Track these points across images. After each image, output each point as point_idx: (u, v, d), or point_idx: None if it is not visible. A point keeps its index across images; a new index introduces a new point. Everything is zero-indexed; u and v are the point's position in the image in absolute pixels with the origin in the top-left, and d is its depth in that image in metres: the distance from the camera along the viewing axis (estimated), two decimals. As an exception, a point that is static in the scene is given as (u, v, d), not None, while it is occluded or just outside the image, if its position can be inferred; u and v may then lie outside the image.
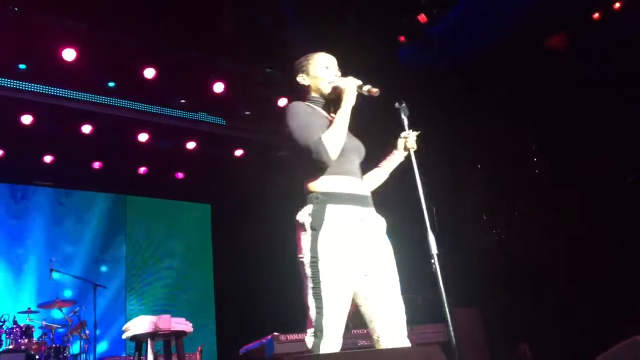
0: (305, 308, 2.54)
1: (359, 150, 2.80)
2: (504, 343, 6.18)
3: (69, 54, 6.00)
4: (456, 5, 6.00)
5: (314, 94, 2.85)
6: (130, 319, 3.72)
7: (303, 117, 2.67)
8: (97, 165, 7.65)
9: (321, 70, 2.86)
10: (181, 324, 3.41)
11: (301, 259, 2.57)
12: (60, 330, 6.22)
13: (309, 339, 2.46)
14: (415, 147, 2.83)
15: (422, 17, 6.11)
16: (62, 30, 5.94)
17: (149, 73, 6.46)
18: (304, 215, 2.60)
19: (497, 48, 6.19)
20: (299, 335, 4.24)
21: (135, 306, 7.76)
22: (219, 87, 6.88)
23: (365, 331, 4.48)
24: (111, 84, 6.69)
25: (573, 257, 5.88)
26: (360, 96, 2.73)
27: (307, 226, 2.56)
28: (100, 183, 7.97)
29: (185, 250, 8.48)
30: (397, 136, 2.90)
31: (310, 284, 2.51)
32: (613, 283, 5.52)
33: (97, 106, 6.79)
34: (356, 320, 5.21)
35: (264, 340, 4.32)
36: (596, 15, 6.00)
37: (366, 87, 2.73)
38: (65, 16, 5.86)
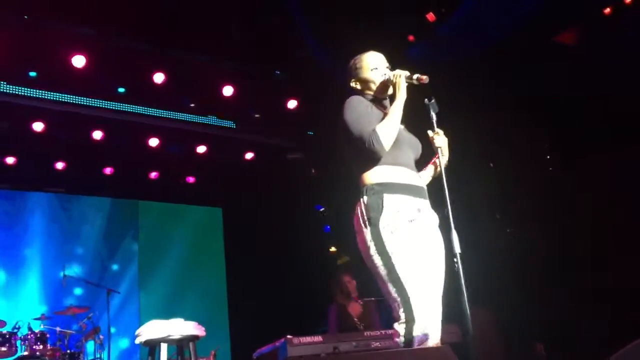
0: (391, 302, 2.53)
1: (415, 145, 2.85)
2: (519, 343, 6.12)
3: (78, 61, 6.03)
4: (464, 3, 5.96)
5: (367, 94, 2.88)
6: (144, 323, 3.72)
7: (359, 110, 2.72)
8: (108, 171, 7.67)
9: (370, 72, 2.88)
10: (194, 328, 3.40)
11: (368, 254, 2.56)
12: (75, 335, 6.24)
13: (400, 327, 2.46)
14: (443, 146, 2.82)
15: (430, 16, 6.09)
16: (72, 37, 5.98)
17: (159, 78, 6.49)
18: (361, 208, 2.61)
19: (507, 45, 6.14)
20: (313, 337, 4.22)
21: (149, 310, 7.76)
22: (228, 91, 6.88)
23: (379, 333, 4.46)
24: (121, 90, 6.71)
25: (587, 257, 5.81)
26: (410, 86, 2.76)
27: (367, 218, 2.56)
28: (111, 189, 8.00)
29: (197, 254, 8.48)
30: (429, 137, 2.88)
31: (384, 272, 2.50)
32: (629, 283, 5.45)
33: (108, 112, 6.81)
34: (365, 321, 5.20)
35: (277, 344, 4.30)
36: (607, 10, 5.93)
37: (415, 76, 2.76)
38: (75, 23, 5.90)
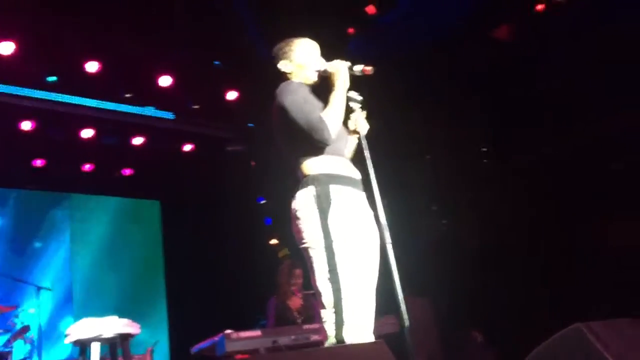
0: (317, 296, 2.45)
1: (346, 136, 2.76)
2: (456, 331, 6.27)
3: (6, 48, 5.75)
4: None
5: (296, 81, 2.74)
6: (77, 320, 3.59)
7: (301, 95, 2.59)
8: (39, 163, 7.37)
9: (305, 57, 2.77)
10: (127, 326, 3.30)
11: (306, 245, 2.47)
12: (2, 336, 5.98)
13: (329, 326, 2.38)
14: (365, 129, 2.72)
15: (370, 9, 6.12)
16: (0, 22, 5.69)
17: (92, 67, 6.25)
18: (306, 198, 2.49)
19: (445, 39, 6.25)
20: (251, 332, 4.18)
21: (82, 308, 7.52)
22: (166, 81, 6.71)
23: (319, 326, 4.46)
24: (52, 79, 6.44)
25: (521, 247, 6.01)
26: (352, 77, 2.67)
27: (313, 208, 2.45)
28: (42, 181, 7.68)
29: (134, 248, 8.27)
30: (347, 119, 2.78)
31: (324, 269, 2.40)
32: (561, 269, 5.67)
33: (38, 102, 6.53)
34: (305, 314, 5.20)
35: (215, 339, 4.25)
36: (540, 7, 6.11)
37: (358, 68, 2.67)
38: (2, 7, 5.60)
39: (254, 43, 6.51)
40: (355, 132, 2.76)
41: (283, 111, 2.57)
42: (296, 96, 2.58)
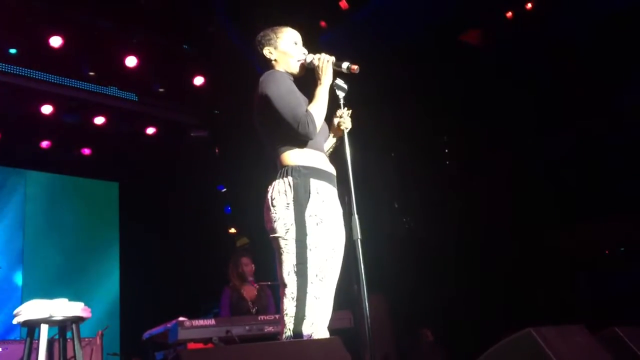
0: (281, 286, 2.41)
1: (326, 131, 2.75)
2: (408, 328, 6.36)
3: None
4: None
5: (279, 69, 2.69)
6: (26, 301, 3.50)
7: (287, 86, 2.55)
8: (-7, 137, 7.14)
9: (290, 46, 2.72)
10: (78, 309, 3.23)
11: (277, 235, 2.42)
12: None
13: (289, 321, 2.35)
14: (349, 126, 2.71)
15: (343, 4, 6.11)
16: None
17: (56, 41, 6.08)
18: (283, 188, 2.45)
19: (415, 40, 6.30)
20: (205, 320, 4.15)
21: (32, 288, 7.34)
22: (131, 61, 6.57)
23: (273, 317, 4.46)
24: (12, 51, 6.24)
25: (478, 247, 6.11)
26: (336, 73, 2.65)
27: (290, 199, 2.42)
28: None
29: (89, 230, 8.11)
30: (333, 115, 2.75)
31: (293, 261, 2.37)
32: (518, 271, 5.79)
33: (-4, 74, 6.33)
34: (259, 304, 5.18)
35: (168, 325, 4.19)
36: (509, 14, 6.22)
37: (345, 65, 2.65)
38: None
39: (224, 31, 6.44)
40: (339, 129, 2.74)
41: (267, 101, 2.52)
42: (282, 87, 2.54)
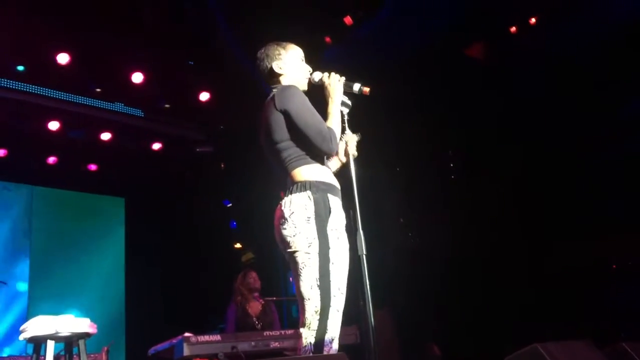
0: (301, 300, 2.41)
1: None
2: (415, 343, 6.31)
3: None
4: (382, 9, 6.07)
5: (286, 84, 2.70)
6: (32, 317, 3.51)
7: (307, 103, 2.56)
8: (1, 152, 7.19)
9: (298, 62, 2.75)
10: (84, 325, 3.24)
11: (296, 249, 2.42)
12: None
13: (309, 333, 2.35)
14: (356, 153, 2.74)
15: (347, 19, 6.16)
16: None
17: (63, 58, 6.14)
18: (303, 202, 2.45)
19: (420, 54, 6.33)
20: (211, 336, 4.14)
21: (39, 304, 7.34)
22: (137, 78, 6.63)
23: (278, 333, 4.45)
24: (20, 68, 6.30)
25: (485, 260, 6.09)
26: (346, 94, 2.69)
27: (311, 213, 2.42)
28: (4, 172, 7.50)
29: (96, 245, 8.12)
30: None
31: (316, 274, 2.38)
32: (525, 286, 5.76)
33: (3, 90, 6.38)
34: (264, 320, 5.17)
35: (174, 341, 4.19)
36: (513, 28, 6.25)
37: (357, 86, 2.69)
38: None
39: (229, 47, 6.49)
40: (345, 154, 2.75)
41: (288, 116, 2.51)
42: (305, 103, 2.55)
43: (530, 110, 6.06)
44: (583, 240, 5.63)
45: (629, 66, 5.43)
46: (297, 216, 2.43)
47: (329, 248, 2.41)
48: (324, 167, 2.59)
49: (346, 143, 2.74)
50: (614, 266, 5.69)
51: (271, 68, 2.72)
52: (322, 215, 2.43)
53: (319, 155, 2.55)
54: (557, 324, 5.18)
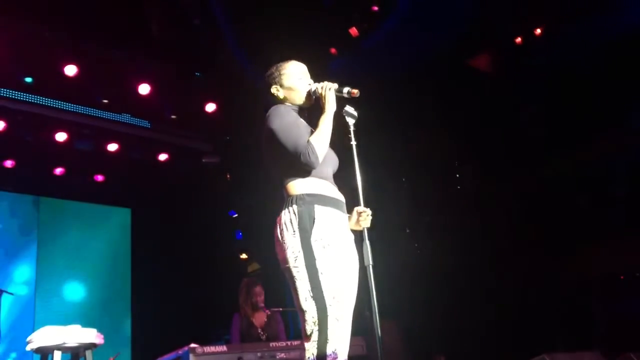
0: (300, 313, 2.44)
1: (333, 160, 2.78)
2: (422, 354, 6.28)
3: (-17, 46, 5.66)
4: (387, 21, 6.10)
5: (288, 104, 2.78)
6: (38, 328, 3.51)
7: (289, 119, 2.64)
8: (9, 163, 7.23)
9: (295, 81, 2.79)
10: (91, 336, 3.24)
11: (289, 265, 2.45)
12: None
13: (312, 345, 2.37)
14: (369, 225, 2.68)
15: (353, 31, 6.19)
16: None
17: (70, 70, 6.19)
18: (289, 217, 2.51)
19: (426, 65, 6.34)
20: (217, 347, 4.13)
21: (45, 314, 7.35)
22: (144, 89, 6.67)
23: (284, 344, 4.44)
24: (28, 80, 6.35)
25: (492, 273, 6.07)
26: (340, 99, 2.71)
27: (295, 227, 2.47)
28: (11, 183, 7.54)
29: (102, 255, 8.13)
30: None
31: (307, 287, 2.41)
32: (533, 296, 5.73)
33: (12, 102, 6.43)
34: (269, 331, 5.16)
35: (180, 352, 4.18)
36: (518, 39, 6.27)
37: (345, 89, 2.72)
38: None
39: (235, 58, 6.52)
40: (357, 223, 2.69)
41: (272, 134, 2.61)
42: (284, 120, 2.62)
43: (539, 119, 6.07)
44: (591, 251, 5.60)
45: (635, 76, 5.43)
46: (285, 232, 2.51)
47: (314, 259, 2.43)
48: (316, 178, 2.60)
49: (359, 215, 2.68)
50: (622, 277, 5.66)
51: (270, 91, 2.82)
52: (305, 228, 2.47)
53: (305, 169, 2.58)
54: (566, 335, 5.15)
